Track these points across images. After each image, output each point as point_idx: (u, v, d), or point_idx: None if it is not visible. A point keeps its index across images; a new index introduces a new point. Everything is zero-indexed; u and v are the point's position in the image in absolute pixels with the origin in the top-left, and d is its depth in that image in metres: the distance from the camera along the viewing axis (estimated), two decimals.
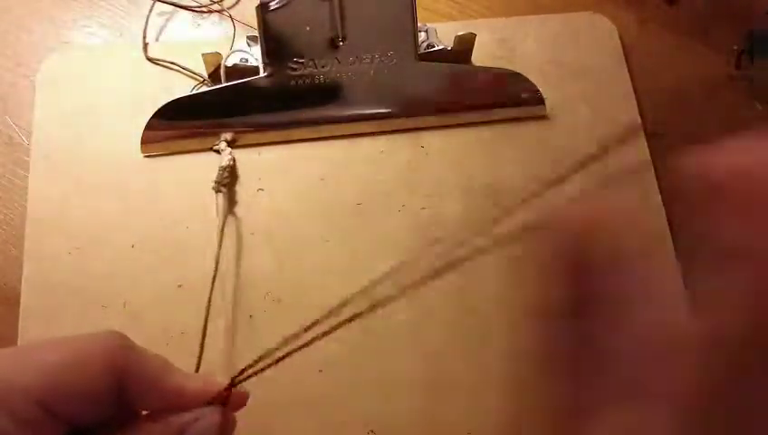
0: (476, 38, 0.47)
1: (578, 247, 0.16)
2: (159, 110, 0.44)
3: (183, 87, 0.47)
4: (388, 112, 0.46)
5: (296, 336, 0.28)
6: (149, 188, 0.44)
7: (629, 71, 0.49)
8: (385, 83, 0.46)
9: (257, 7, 0.43)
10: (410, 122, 0.46)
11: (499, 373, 0.40)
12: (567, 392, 0.17)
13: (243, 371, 0.27)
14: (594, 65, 0.49)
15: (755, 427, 0.13)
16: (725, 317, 0.14)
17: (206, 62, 0.46)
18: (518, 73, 0.47)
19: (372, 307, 0.29)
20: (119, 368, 0.24)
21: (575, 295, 0.16)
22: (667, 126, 0.48)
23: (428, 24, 0.48)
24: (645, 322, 0.15)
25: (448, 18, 0.51)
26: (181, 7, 0.50)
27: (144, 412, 0.26)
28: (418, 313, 0.41)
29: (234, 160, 0.44)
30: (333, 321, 0.29)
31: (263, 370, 0.27)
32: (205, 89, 0.46)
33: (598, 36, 0.51)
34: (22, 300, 0.40)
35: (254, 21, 0.44)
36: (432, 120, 0.47)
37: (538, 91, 0.47)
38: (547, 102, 0.47)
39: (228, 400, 0.26)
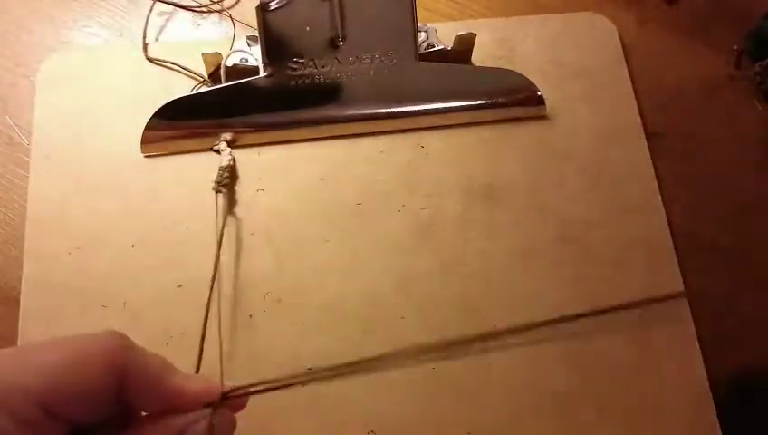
0: (476, 38, 0.47)
1: None
2: (159, 110, 0.44)
3: (183, 87, 0.47)
4: (388, 112, 0.46)
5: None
6: (149, 188, 0.44)
7: (629, 71, 0.49)
8: (385, 83, 0.46)
9: (257, 7, 0.43)
10: (410, 122, 0.46)
11: (499, 373, 0.40)
12: None
13: (234, 389, 0.28)
14: (594, 65, 0.49)
15: None
16: None
17: (206, 62, 0.46)
18: (518, 73, 0.47)
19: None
20: (119, 368, 0.24)
21: None
22: (667, 126, 0.48)
23: (428, 24, 0.48)
24: None
25: (448, 18, 0.52)
26: (181, 7, 0.50)
27: (143, 413, 0.26)
28: (419, 312, 0.41)
29: (234, 160, 0.44)
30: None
31: (256, 392, 0.28)
32: (205, 89, 0.46)
33: (598, 36, 0.51)
34: (22, 300, 0.40)
35: (254, 21, 0.44)
36: (432, 120, 0.47)
37: (538, 91, 0.47)
38: (547, 102, 0.47)
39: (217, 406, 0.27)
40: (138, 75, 0.47)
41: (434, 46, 0.47)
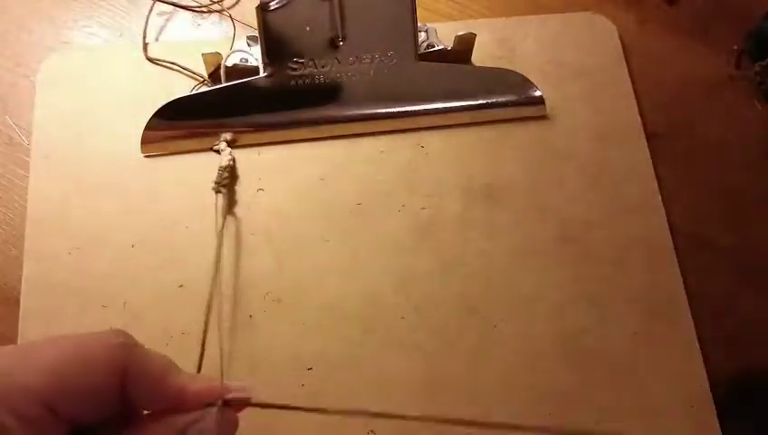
0: (476, 38, 0.47)
1: None
2: (159, 110, 0.44)
3: (183, 87, 0.47)
4: (388, 112, 0.46)
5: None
6: (149, 188, 0.44)
7: (629, 71, 0.50)
8: (385, 83, 0.46)
9: (257, 7, 0.43)
10: (410, 122, 0.46)
11: (499, 373, 0.40)
12: None
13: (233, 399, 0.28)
14: (594, 65, 0.49)
15: None
16: None
17: (206, 62, 0.46)
18: (518, 73, 0.47)
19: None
20: (121, 367, 0.24)
21: None
22: (667, 126, 0.49)
23: (428, 24, 0.48)
24: None
25: (448, 18, 0.52)
26: (181, 7, 0.50)
27: (145, 412, 0.26)
28: (419, 312, 0.41)
29: (233, 160, 0.44)
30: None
31: (257, 405, 0.28)
32: (205, 89, 0.46)
33: (598, 36, 0.51)
34: (22, 300, 0.40)
35: (254, 21, 0.44)
36: (432, 120, 0.47)
37: (538, 91, 0.47)
38: (547, 102, 0.47)
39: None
40: (138, 75, 0.47)
41: (434, 46, 0.47)
